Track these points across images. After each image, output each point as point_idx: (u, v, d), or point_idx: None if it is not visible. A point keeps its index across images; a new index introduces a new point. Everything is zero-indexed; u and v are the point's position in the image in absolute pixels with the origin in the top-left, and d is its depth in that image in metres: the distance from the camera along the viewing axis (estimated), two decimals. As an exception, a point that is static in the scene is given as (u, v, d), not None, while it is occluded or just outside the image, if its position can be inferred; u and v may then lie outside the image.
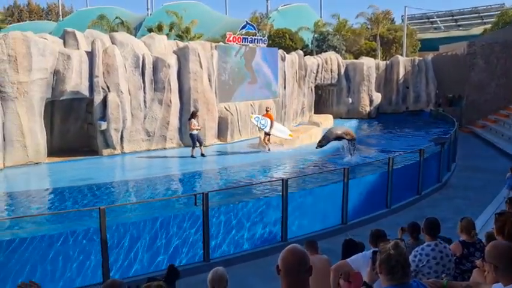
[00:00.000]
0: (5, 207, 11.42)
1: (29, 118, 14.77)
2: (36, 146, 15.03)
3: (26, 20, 46.77)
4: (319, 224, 9.79)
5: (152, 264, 8.03)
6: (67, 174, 14.05)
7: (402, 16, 45.89)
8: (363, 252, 4.40)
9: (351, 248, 5.03)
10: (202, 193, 8.23)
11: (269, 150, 17.81)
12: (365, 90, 30.88)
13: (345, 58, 34.76)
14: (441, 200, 12.21)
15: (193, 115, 16.76)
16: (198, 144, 16.51)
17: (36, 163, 15.02)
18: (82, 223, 8.89)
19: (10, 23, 39.52)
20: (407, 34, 42.09)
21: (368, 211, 10.65)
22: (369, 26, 46.10)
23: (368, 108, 30.99)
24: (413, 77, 32.22)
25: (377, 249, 4.05)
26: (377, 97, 31.38)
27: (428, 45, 44.69)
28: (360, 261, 4.15)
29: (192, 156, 16.39)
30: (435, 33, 54.06)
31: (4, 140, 14.36)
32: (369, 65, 31.12)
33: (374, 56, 38.46)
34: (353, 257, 4.29)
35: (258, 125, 18.35)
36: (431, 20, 56.74)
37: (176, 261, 8.27)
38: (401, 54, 37.99)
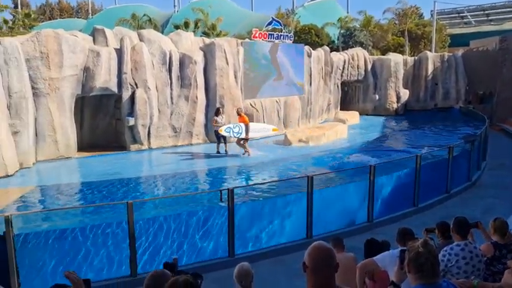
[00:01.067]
0: (38, 200, 11.79)
1: (60, 114, 15.16)
2: (66, 141, 15.43)
3: (57, 18, 47.89)
4: (344, 222, 9.74)
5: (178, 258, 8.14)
6: (96, 169, 14.36)
7: (431, 11, 44.90)
8: (390, 251, 4.36)
9: (373, 247, 4.98)
10: (228, 189, 8.29)
11: (249, 154, 16.23)
12: (392, 86, 30.42)
13: (372, 54, 34.28)
14: (470, 199, 11.93)
15: (217, 112, 16.85)
16: (222, 140, 16.59)
17: (67, 158, 15.42)
18: (111, 216, 9.09)
19: (42, 21, 40.56)
20: (436, 29, 41.18)
21: (395, 209, 10.52)
22: (396, 22, 45.28)
23: (395, 105, 30.53)
24: (442, 73, 31.55)
25: (405, 248, 4.01)
26: (405, 94, 30.86)
27: (458, 40, 43.59)
28: (387, 260, 4.11)
29: (218, 152, 16.50)
30: (466, 28, 52.65)
31: (36, 135, 14.79)
32: (397, 61, 30.62)
33: (402, 52, 37.78)
34: (379, 256, 4.25)
35: (232, 136, 16.34)
36: (461, 14, 55.30)
37: (200, 256, 8.39)
38: (430, 50, 37.21)
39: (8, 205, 10.86)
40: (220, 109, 17.18)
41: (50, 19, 46.23)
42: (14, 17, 30.50)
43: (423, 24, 44.63)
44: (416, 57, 32.66)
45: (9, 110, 13.65)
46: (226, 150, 16.69)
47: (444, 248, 4.38)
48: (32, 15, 32.63)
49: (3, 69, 13.48)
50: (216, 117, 16.63)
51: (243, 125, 16.24)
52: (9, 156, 13.26)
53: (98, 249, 7.74)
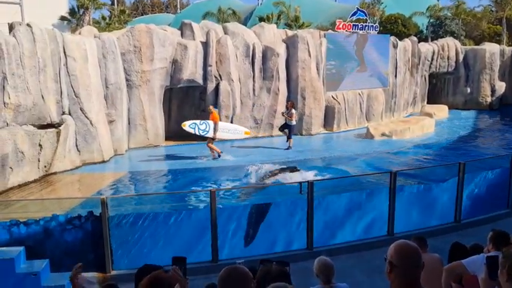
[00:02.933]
0: (129, 184, 12.67)
1: (150, 104, 16.10)
2: (155, 130, 16.36)
3: (148, 13, 50.58)
4: (428, 220, 9.34)
5: (253, 249, 8.34)
6: (181, 157, 15.02)
7: (535, -4, 40.92)
8: (481, 255, 4.12)
9: (458, 252, 4.71)
10: (308, 181, 8.32)
11: (219, 156, 14.79)
12: (486, 79, 28.27)
13: (464, 44, 32.12)
14: None
15: (293, 105, 16.75)
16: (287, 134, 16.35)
17: (155, 146, 16.34)
18: (194, 203, 9.53)
19: (135, 17, 43.07)
20: (540, 16, 37.51)
21: (485, 210, 9.88)
22: (493, 9, 41.91)
23: (489, 99, 28.36)
24: (545, 64, 28.74)
25: (493, 253, 3.78)
26: (501, 87, 28.55)
27: None
28: (477, 264, 3.89)
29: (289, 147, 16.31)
30: None
31: (129, 124, 15.87)
32: (493, 52, 28.36)
33: (499, 42, 34.94)
34: (469, 259, 4.03)
35: (197, 133, 14.95)
36: None
37: (277, 248, 8.52)
38: (532, 39, 34.03)
39: (104, 188, 11.79)
40: (292, 103, 16.88)
41: (142, 14, 48.95)
42: (110, 13, 32.75)
43: (524, 10, 40.86)
44: (515, 47, 30.05)
45: (106, 100, 14.74)
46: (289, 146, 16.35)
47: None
48: (127, 12, 34.78)
49: (102, 62, 14.56)
50: (294, 111, 16.41)
51: (211, 122, 14.75)
52: (106, 143, 14.36)
53: (181, 234, 8.17)
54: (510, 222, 9.34)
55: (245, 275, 2.34)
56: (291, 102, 16.96)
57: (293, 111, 16.43)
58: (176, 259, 2.79)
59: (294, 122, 16.40)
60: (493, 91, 28.36)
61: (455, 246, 5.03)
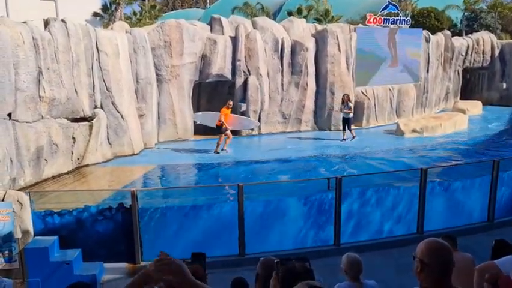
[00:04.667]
0: (158, 177, 12.87)
1: (179, 99, 16.28)
2: (184, 124, 16.54)
3: (178, 8, 51.01)
4: (459, 219, 9.14)
5: (280, 243, 8.36)
6: (210, 152, 15.10)
7: None
8: (516, 255, 3.99)
9: (502, 250, 4.55)
10: (336, 177, 8.27)
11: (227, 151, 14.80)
12: (523, 74, 27.30)
13: (500, 38, 31.05)
14: None
15: (349, 98, 16.78)
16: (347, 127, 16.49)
17: (184, 140, 16.52)
18: (223, 197, 9.60)
19: (165, 12, 43.53)
20: None
21: (520, 210, 9.59)
22: (533, 1, 40.34)
23: (525, 95, 27.40)
24: None
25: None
26: (538, 82, 27.53)
27: None
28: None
29: (343, 140, 16.49)
30: None
31: (159, 118, 16.10)
32: (531, 46, 27.36)
33: (537, 35, 33.67)
34: (503, 259, 3.91)
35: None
36: None
37: (305, 243, 8.50)
38: None
39: (134, 181, 12.02)
40: (348, 96, 16.92)
41: (172, 10, 49.42)
42: (141, 8, 33.18)
43: None
44: (556, 41, 28.86)
45: (136, 94, 14.99)
46: (344, 138, 16.51)
47: None
48: (157, 7, 35.18)
49: (132, 57, 14.80)
50: (349, 104, 16.50)
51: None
52: (136, 137, 14.62)
53: (211, 227, 8.25)
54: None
55: None
56: (347, 96, 16.89)
57: (350, 104, 16.57)
58: (195, 255, 2.78)
59: (351, 115, 16.55)
60: (530, 87, 27.36)
61: (499, 244, 4.83)
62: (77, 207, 8.33)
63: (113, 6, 28.11)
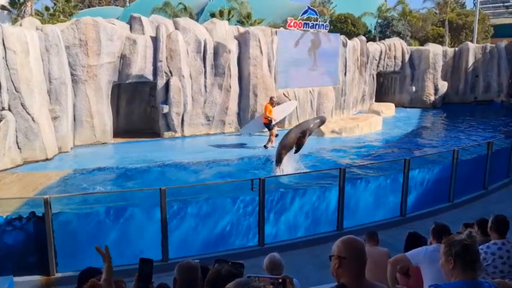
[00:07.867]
0: (74, 183, 12.15)
1: (97, 100, 15.53)
2: (103, 126, 15.81)
3: (95, 6, 48.86)
4: (375, 215, 9.61)
5: (206, 246, 8.26)
6: (130, 155, 14.62)
7: (474, 0, 43.24)
8: (424, 247, 4.25)
9: (415, 242, 4.84)
10: (259, 178, 8.31)
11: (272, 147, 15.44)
12: (430, 78, 29.57)
13: (410, 44, 33.39)
14: (509, 196, 11.53)
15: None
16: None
17: (103, 143, 15.81)
18: (143, 202, 9.27)
19: (81, 9, 41.48)
20: (478, 19, 39.59)
21: (429, 204, 10.29)
22: (437, 11, 43.84)
23: (432, 98, 29.69)
24: (483, 65, 30.39)
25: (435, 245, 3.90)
26: (443, 86, 29.96)
27: (501, 31, 41.87)
28: (420, 256, 4.02)
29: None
30: (511, 19, 50.45)
31: (74, 121, 15.24)
32: (436, 52, 29.70)
33: (442, 43, 36.61)
34: (412, 251, 4.15)
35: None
36: (506, 3, 53.00)
37: (230, 244, 8.46)
38: (471, 41, 35.86)
39: (47, 188, 11.25)
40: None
41: (89, 7, 47.23)
42: (54, 4, 31.29)
43: (465, 14, 43.04)
44: (457, 48, 31.57)
45: (49, 95, 14.08)
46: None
47: (481, 246, 4.24)
48: (72, 3, 33.37)
49: (44, 55, 13.89)
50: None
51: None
52: (49, 140, 13.72)
53: (124, 233, 7.94)
54: (452, 215, 9.80)
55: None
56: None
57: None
58: (143, 260, 2.86)
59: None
60: (436, 90, 29.70)
61: (412, 236, 5.13)
62: (-20, 218, 7.60)
63: (22, 0, 26.19)
